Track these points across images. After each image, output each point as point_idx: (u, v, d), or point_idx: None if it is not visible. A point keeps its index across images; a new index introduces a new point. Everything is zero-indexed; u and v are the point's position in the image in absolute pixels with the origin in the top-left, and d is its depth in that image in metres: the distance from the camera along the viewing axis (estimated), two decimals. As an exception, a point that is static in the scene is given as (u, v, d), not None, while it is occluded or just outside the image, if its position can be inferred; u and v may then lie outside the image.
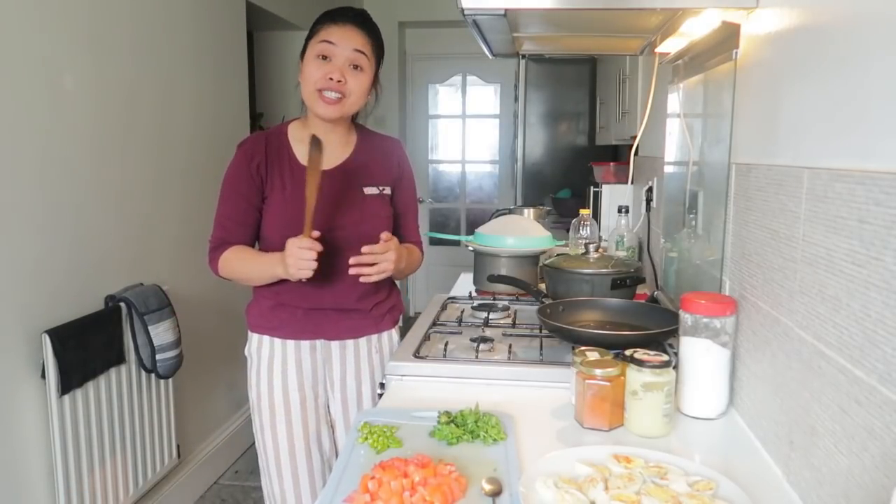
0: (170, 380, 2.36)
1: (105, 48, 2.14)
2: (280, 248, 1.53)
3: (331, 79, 1.47)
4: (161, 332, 2.19)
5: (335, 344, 1.62)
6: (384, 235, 1.47)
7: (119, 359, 2.10)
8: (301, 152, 1.57)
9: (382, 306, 1.66)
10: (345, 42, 1.48)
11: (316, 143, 1.45)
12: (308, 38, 1.52)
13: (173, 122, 2.54)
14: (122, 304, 2.12)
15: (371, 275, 1.45)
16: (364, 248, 1.44)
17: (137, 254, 2.32)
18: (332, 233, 1.52)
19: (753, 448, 1.08)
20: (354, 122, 1.65)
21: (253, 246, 1.59)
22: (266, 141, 1.56)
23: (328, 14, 1.52)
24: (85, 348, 1.94)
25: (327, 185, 1.55)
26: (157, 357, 2.19)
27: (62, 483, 1.89)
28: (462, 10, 1.22)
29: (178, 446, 2.48)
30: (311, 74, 1.49)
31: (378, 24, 1.59)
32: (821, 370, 0.85)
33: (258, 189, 1.54)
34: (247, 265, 1.55)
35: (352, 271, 1.45)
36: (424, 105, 5.53)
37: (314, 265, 1.40)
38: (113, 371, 2.08)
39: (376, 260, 1.45)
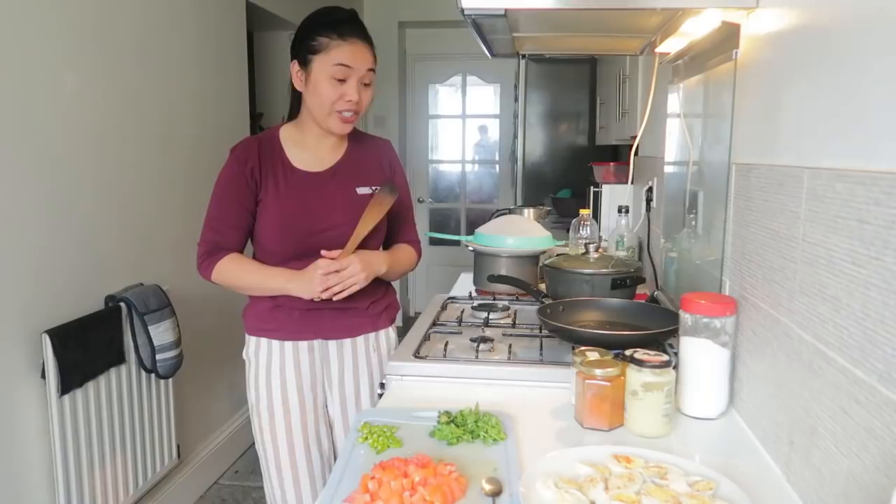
0: (170, 380, 2.36)
1: (106, 48, 2.14)
2: (275, 251, 1.54)
3: (349, 100, 1.49)
4: (161, 332, 2.19)
5: (333, 343, 1.62)
6: (329, 254, 1.48)
7: (119, 359, 2.10)
8: (294, 155, 1.57)
9: (378, 304, 1.67)
10: (359, 64, 1.49)
11: (391, 187, 1.55)
12: (311, 50, 1.48)
13: (173, 122, 2.54)
14: (123, 304, 2.12)
15: (342, 291, 1.47)
16: (322, 272, 1.46)
17: (138, 254, 2.32)
18: (327, 233, 1.53)
19: (753, 448, 1.08)
20: None
21: (243, 251, 1.59)
22: (259, 145, 1.57)
23: (330, 25, 1.48)
24: (85, 348, 1.94)
25: (320, 186, 1.56)
26: (157, 357, 2.19)
27: (62, 483, 1.89)
28: (462, 10, 1.22)
29: (178, 446, 2.48)
30: (327, 95, 1.49)
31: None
32: (821, 370, 0.85)
33: (252, 192, 1.54)
34: (251, 276, 1.55)
35: (324, 294, 1.47)
36: (424, 105, 5.53)
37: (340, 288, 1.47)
38: (113, 371, 2.07)
39: (341, 278, 1.46)
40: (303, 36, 1.52)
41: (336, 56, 1.48)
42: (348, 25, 1.50)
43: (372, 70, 1.53)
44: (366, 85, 1.53)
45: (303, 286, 1.48)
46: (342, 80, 1.49)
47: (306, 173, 1.57)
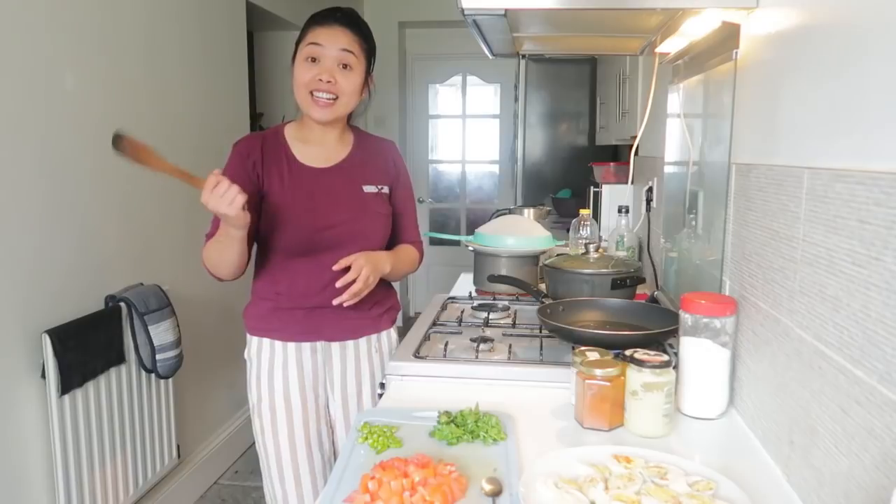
0: (170, 380, 2.36)
1: (105, 48, 2.14)
2: (278, 246, 1.55)
3: (321, 80, 1.48)
4: (161, 332, 2.19)
5: (335, 345, 1.62)
6: (345, 262, 1.45)
7: (119, 359, 2.10)
8: (299, 150, 1.57)
9: (381, 306, 1.67)
10: (331, 42, 1.48)
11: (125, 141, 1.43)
12: (297, 43, 1.53)
13: (173, 122, 2.54)
14: (123, 304, 2.12)
15: (360, 292, 1.46)
16: (340, 283, 1.44)
17: (138, 254, 2.32)
18: (332, 230, 1.53)
19: (753, 448, 1.08)
20: (349, 123, 1.65)
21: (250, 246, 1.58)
22: (262, 140, 1.57)
23: (315, 16, 1.53)
24: (85, 348, 1.94)
25: (326, 181, 1.56)
26: (157, 357, 2.19)
27: (62, 483, 1.89)
28: (462, 10, 1.22)
29: (178, 446, 2.48)
30: (301, 77, 1.49)
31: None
32: (821, 370, 0.85)
33: (255, 187, 1.54)
34: (213, 243, 1.48)
35: (340, 299, 1.45)
36: (424, 105, 5.53)
37: (235, 192, 1.30)
38: (113, 371, 2.07)
39: (358, 284, 1.44)
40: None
41: (309, 38, 1.50)
42: (330, 15, 1.51)
43: (348, 51, 1.50)
44: (345, 67, 1.50)
45: (219, 214, 1.35)
46: (315, 60, 1.48)
47: (311, 168, 1.57)
